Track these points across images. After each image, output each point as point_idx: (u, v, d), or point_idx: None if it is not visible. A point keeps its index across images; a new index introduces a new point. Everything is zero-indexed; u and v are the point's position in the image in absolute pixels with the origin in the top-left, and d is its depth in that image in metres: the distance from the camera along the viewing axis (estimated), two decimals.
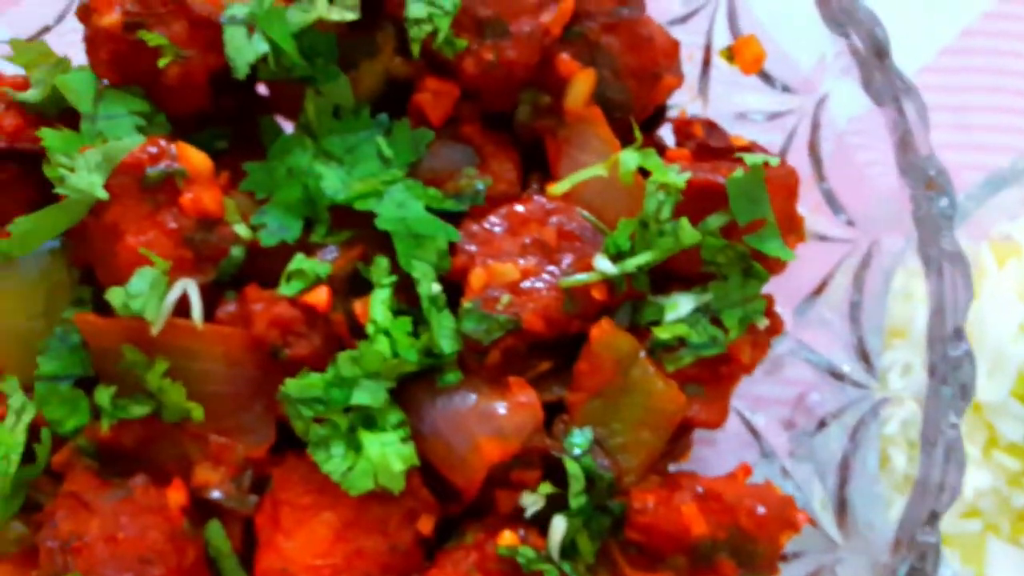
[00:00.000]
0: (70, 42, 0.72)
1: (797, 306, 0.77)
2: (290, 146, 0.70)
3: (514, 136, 0.73)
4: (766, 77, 0.74)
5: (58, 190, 0.63)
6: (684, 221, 0.64)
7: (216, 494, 0.67)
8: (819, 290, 0.75)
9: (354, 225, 0.69)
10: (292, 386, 0.62)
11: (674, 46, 0.72)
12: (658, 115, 0.76)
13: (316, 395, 0.62)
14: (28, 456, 0.66)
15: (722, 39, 0.75)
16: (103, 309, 0.69)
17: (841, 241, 0.72)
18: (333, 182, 0.69)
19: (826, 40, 0.67)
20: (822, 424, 0.72)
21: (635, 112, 0.72)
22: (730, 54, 0.73)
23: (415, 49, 0.65)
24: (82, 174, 0.63)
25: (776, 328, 0.70)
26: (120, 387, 0.66)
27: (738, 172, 0.64)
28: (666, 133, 0.77)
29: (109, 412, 0.66)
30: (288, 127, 0.73)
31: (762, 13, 0.74)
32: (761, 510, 0.64)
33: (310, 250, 0.68)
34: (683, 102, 0.78)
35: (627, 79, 0.71)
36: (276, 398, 0.66)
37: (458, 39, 0.66)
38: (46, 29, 0.79)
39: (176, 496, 0.65)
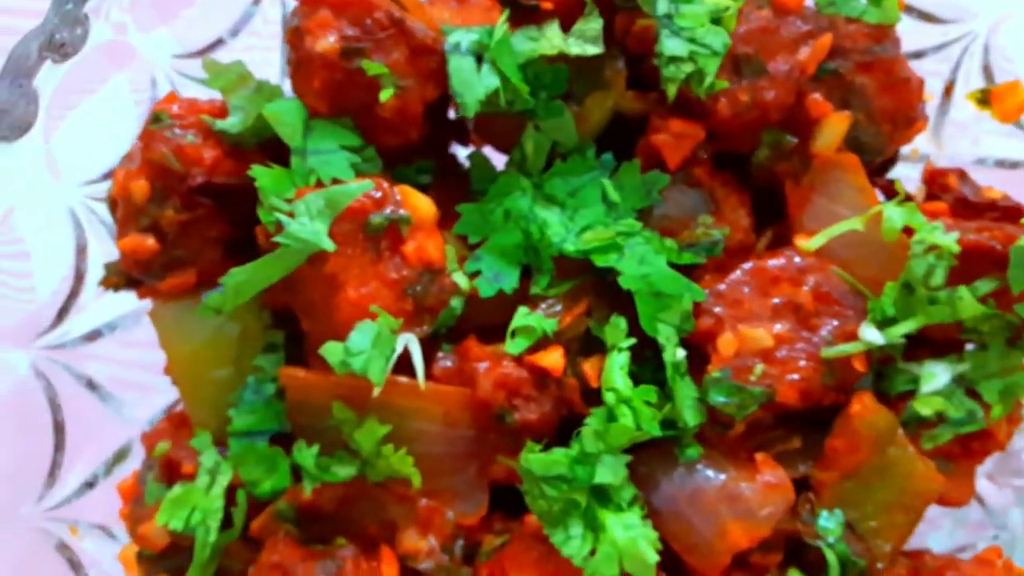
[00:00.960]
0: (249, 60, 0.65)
1: None
2: (509, 188, 0.64)
3: (743, 179, 0.67)
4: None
5: (277, 239, 0.57)
6: (964, 291, 0.59)
7: (427, 564, 0.62)
8: None
9: (575, 274, 0.64)
10: (535, 462, 0.57)
11: (921, 85, 0.66)
12: (890, 160, 0.70)
13: (560, 473, 0.57)
14: (225, 521, 0.61)
15: (973, 80, 0.68)
16: (296, 355, 0.64)
17: None
18: (558, 230, 0.62)
19: None
20: None
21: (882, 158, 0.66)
22: (984, 98, 0.67)
23: (671, 91, 0.59)
24: (303, 220, 0.57)
25: None
26: (322, 445, 0.61)
27: (1022, 240, 0.58)
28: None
29: (313, 474, 0.61)
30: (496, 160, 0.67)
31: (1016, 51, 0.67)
32: None
33: (531, 303, 0.62)
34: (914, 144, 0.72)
35: (882, 123, 0.64)
36: (493, 462, 0.61)
37: (718, 80, 0.59)
38: (219, 42, 0.72)
39: (390, 571, 0.60)
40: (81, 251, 0.69)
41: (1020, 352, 0.62)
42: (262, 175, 0.59)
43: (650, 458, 0.61)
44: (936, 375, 0.62)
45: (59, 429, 0.68)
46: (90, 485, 0.69)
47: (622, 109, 0.64)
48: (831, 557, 0.59)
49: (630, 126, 0.65)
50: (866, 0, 0.63)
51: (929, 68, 0.70)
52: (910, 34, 0.69)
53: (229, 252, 0.64)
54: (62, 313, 0.68)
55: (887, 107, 0.64)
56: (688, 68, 0.58)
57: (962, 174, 0.66)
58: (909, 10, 0.68)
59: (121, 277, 0.66)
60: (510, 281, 0.63)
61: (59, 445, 0.68)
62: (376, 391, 0.58)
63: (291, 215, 0.57)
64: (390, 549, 0.61)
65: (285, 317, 0.65)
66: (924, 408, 0.61)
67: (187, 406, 0.64)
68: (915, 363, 0.63)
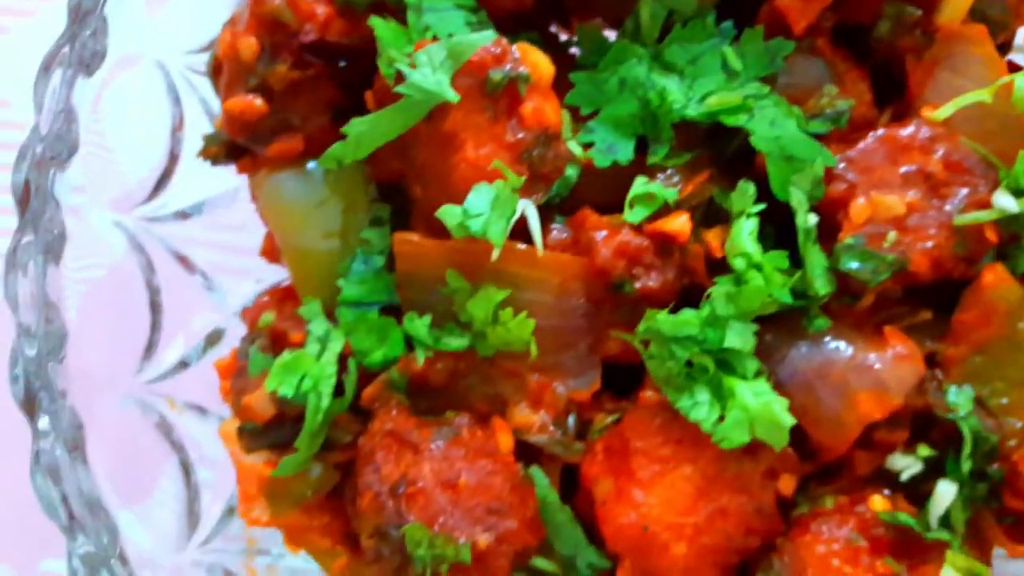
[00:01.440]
0: None
1: None
2: (623, 56, 0.62)
3: (863, 55, 0.65)
4: None
5: (399, 89, 0.55)
6: None
7: (539, 438, 0.60)
8: None
9: (695, 145, 0.62)
10: (664, 323, 0.55)
11: None
12: (1007, 43, 0.68)
13: (691, 334, 0.55)
14: (336, 389, 0.59)
15: None
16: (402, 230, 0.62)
17: None
18: (679, 96, 0.60)
19: None
20: None
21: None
22: None
23: None
24: (425, 72, 0.55)
25: None
26: (432, 317, 0.59)
27: None
28: None
29: (426, 342, 0.59)
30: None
31: None
32: None
33: (649, 173, 0.61)
34: None
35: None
36: (607, 337, 0.59)
37: None
38: None
39: (506, 439, 0.58)
40: (177, 126, 0.67)
41: None
42: (381, 26, 0.57)
43: (776, 330, 0.59)
44: None
45: (156, 308, 0.67)
46: (184, 365, 0.68)
47: None
48: (965, 430, 0.57)
49: None
50: None
51: None
52: None
53: (337, 119, 0.62)
54: (157, 187, 0.67)
55: None
56: None
57: None
58: None
59: (222, 147, 0.64)
60: (625, 152, 0.61)
61: (156, 324, 0.67)
62: (495, 253, 0.56)
63: (413, 67, 0.56)
64: (503, 420, 0.60)
65: (390, 192, 0.63)
66: None
67: (294, 277, 0.62)
68: None
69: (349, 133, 0.56)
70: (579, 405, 0.61)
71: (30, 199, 0.58)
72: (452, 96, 0.55)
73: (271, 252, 0.68)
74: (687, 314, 0.55)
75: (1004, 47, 0.68)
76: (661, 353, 0.56)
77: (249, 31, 0.59)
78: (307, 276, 0.62)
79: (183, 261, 0.69)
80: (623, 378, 0.62)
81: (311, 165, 0.62)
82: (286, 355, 0.59)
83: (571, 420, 0.61)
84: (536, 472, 0.60)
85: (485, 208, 0.57)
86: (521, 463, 0.59)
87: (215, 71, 0.63)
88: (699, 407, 0.56)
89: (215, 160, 0.65)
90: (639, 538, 0.56)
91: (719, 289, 0.56)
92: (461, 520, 0.55)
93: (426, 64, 0.56)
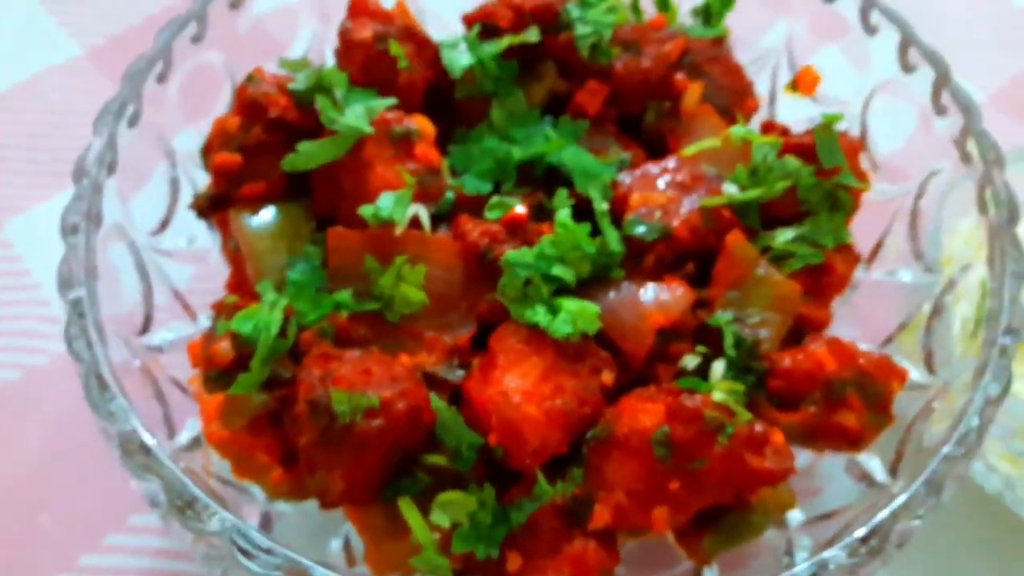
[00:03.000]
0: None
1: None
2: (482, 134, 0.95)
3: (639, 138, 0.98)
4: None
5: (331, 126, 0.86)
6: (788, 157, 0.88)
7: (433, 368, 0.82)
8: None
9: (529, 183, 0.92)
10: (511, 255, 0.81)
11: (751, 84, 1.01)
12: None
13: (528, 261, 0.81)
14: (281, 333, 0.82)
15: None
16: None
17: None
18: (518, 151, 0.92)
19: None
20: None
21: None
22: (792, 84, 1.02)
23: (584, 51, 0.93)
24: (351, 118, 0.86)
25: (856, 258, 0.92)
26: (355, 292, 0.84)
27: (820, 125, 0.89)
28: None
29: (349, 305, 0.83)
30: None
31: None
32: (876, 357, 0.81)
33: (501, 196, 0.90)
34: None
35: (725, 92, 0.98)
36: (480, 300, 0.84)
37: (612, 49, 0.93)
38: None
39: (407, 360, 0.81)
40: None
41: (842, 213, 0.90)
42: (322, 101, 0.88)
43: (593, 287, 0.85)
44: (785, 233, 0.89)
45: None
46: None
47: (555, 89, 0.97)
48: (726, 329, 0.81)
49: (562, 101, 0.98)
50: (699, 22, 1.01)
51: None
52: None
53: (288, 176, 0.91)
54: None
55: (728, 83, 0.98)
56: (593, 38, 0.92)
57: (785, 128, 0.99)
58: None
59: (205, 200, 0.92)
60: (486, 189, 0.91)
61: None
62: (398, 229, 0.83)
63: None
64: (406, 355, 0.82)
65: (326, 224, 0.91)
66: (777, 246, 0.87)
67: (254, 277, 0.87)
68: (768, 232, 0.90)
69: (300, 150, 0.85)
70: (460, 349, 0.84)
71: None
72: (368, 129, 0.86)
73: (234, 285, 0.93)
74: (525, 250, 0.82)
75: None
76: (509, 277, 0.81)
77: (234, 113, 0.91)
78: (265, 275, 0.87)
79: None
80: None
81: (270, 207, 0.91)
82: (246, 310, 0.83)
83: (455, 359, 0.84)
84: (433, 397, 0.81)
85: (391, 204, 0.85)
86: None
87: (206, 150, 0.93)
88: (537, 314, 0.80)
89: (200, 212, 0.93)
90: (501, 403, 0.76)
91: (546, 238, 0.83)
92: (370, 388, 0.75)
93: (352, 114, 0.87)
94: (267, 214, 0.90)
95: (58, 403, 1.03)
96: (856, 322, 0.95)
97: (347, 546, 0.86)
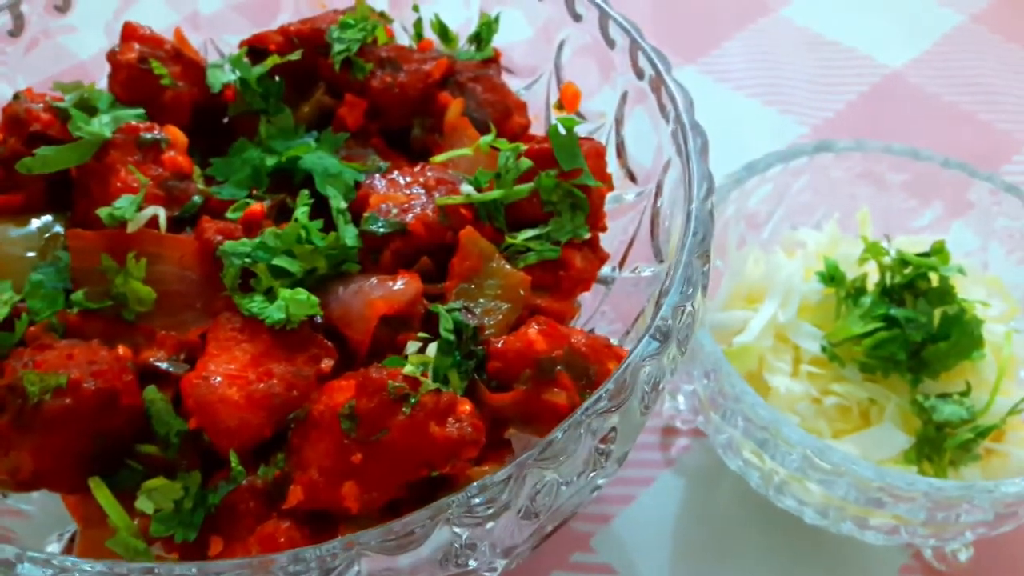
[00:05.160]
0: None
1: None
2: (245, 147, 0.98)
3: (408, 154, 1.02)
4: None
5: (76, 133, 0.89)
6: (524, 160, 0.91)
7: (158, 363, 0.82)
8: None
9: (287, 191, 0.95)
10: (228, 245, 0.83)
11: (523, 104, 1.05)
12: None
13: (245, 251, 0.82)
14: (8, 327, 0.83)
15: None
16: None
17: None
18: (271, 159, 0.95)
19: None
20: None
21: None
22: (559, 103, 1.06)
23: (336, 64, 0.97)
24: (95, 125, 0.89)
25: (602, 256, 0.94)
26: (91, 291, 0.85)
27: (553, 127, 0.92)
28: None
29: (82, 304, 0.84)
30: None
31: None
32: (591, 338, 0.82)
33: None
34: None
35: (487, 108, 1.02)
36: (216, 298, 0.86)
37: (367, 63, 0.98)
38: None
39: (126, 351, 0.81)
40: None
41: (582, 213, 0.92)
42: (75, 113, 0.92)
43: (325, 282, 0.86)
44: (528, 232, 0.92)
45: None
46: None
47: (323, 105, 1.01)
48: (443, 313, 0.82)
49: (331, 118, 1.01)
50: (473, 47, 1.06)
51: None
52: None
53: (49, 188, 0.94)
54: None
55: (491, 100, 1.02)
56: (344, 54, 0.97)
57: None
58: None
59: None
60: (241, 195, 0.94)
61: None
62: (130, 228, 0.85)
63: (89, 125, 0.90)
64: (128, 349, 0.83)
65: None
66: (514, 241, 0.89)
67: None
68: (514, 233, 0.93)
69: (38, 153, 0.88)
70: (190, 345, 0.85)
71: None
72: (108, 134, 0.89)
73: None
74: (244, 241, 0.84)
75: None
76: (227, 266, 0.82)
77: (1, 129, 0.94)
78: (10, 273, 0.89)
79: None
80: None
81: (27, 217, 0.93)
82: None
83: (182, 354, 0.84)
84: (149, 387, 0.81)
85: (127, 206, 0.87)
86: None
87: None
88: (255, 303, 0.81)
89: None
90: (200, 386, 0.76)
91: (270, 230, 0.85)
92: (66, 371, 0.76)
93: (97, 123, 0.90)
94: (24, 223, 0.92)
95: None
96: (618, 318, 0.97)
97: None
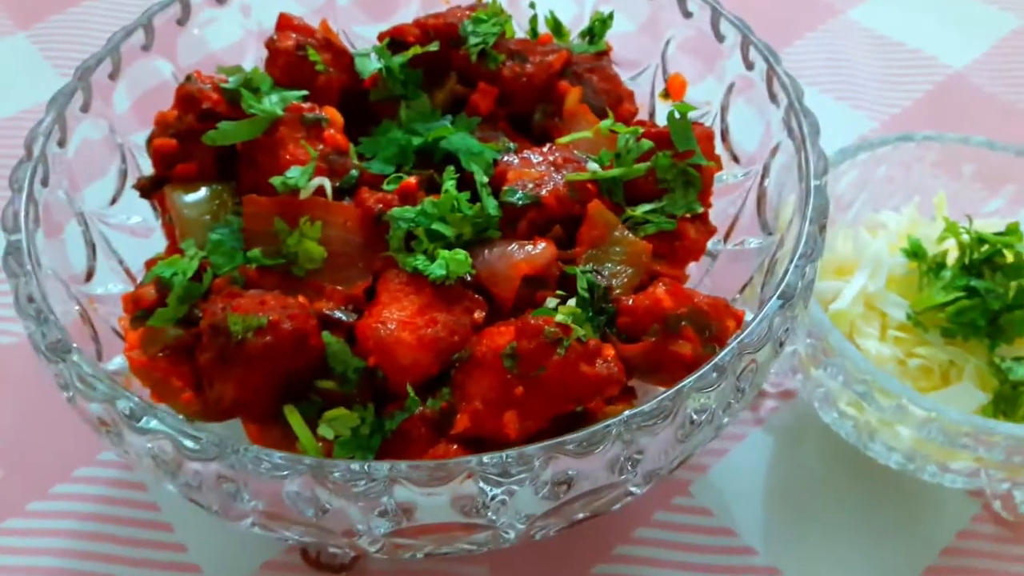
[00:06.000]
0: None
1: None
2: (389, 128, 1.10)
3: (529, 136, 1.13)
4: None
5: (250, 111, 1.01)
6: (645, 141, 1.02)
7: (330, 312, 0.94)
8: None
9: (430, 167, 1.07)
10: (396, 211, 0.95)
11: (631, 93, 1.17)
12: None
13: (409, 216, 0.94)
14: (196, 279, 0.95)
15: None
16: None
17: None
18: (417, 140, 1.07)
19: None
20: None
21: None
22: (665, 92, 1.17)
23: (473, 55, 1.09)
24: (267, 104, 1.02)
25: (711, 229, 1.05)
26: (265, 250, 0.97)
27: (671, 113, 1.04)
28: None
29: (259, 259, 0.96)
30: None
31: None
32: (712, 299, 0.93)
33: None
34: None
35: (601, 95, 1.13)
36: (376, 259, 0.97)
37: (499, 55, 1.09)
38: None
39: (302, 298, 0.93)
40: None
41: (694, 189, 1.03)
42: (245, 94, 1.04)
43: (471, 245, 0.98)
44: (645, 206, 1.03)
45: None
46: None
47: (456, 93, 1.13)
48: (579, 274, 0.94)
49: (462, 104, 1.13)
50: (585, 41, 1.17)
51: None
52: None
53: (217, 159, 1.06)
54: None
55: (605, 88, 1.13)
56: (481, 45, 1.09)
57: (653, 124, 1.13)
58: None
59: (147, 181, 1.07)
60: (390, 171, 1.05)
61: None
62: (303, 194, 0.97)
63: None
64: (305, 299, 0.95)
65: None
66: (635, 214, 1.01)
67: (180, 239, 1.01)
68: (633, 207, 1.04)
69: (220, 127, 1.00)
70: (355, 298, 0.97)
71: None
72: (280, 112, 1.01)
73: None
74: (408, 208, 0.95)
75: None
76: (394, 229, 0.94)
77: (173, 107, 1.06)
78: (189, 236, 1.01)
79: None
80: None
81: (200, 184, 1.05)
82: (167, 259, 0.96)
83: (351, 306, 0.96)
84: (325, 332, 0.93)
85: (297, 175, 0.99)
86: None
87: (149, 139, 1.08)
88: (419, 260, 0.93)
89: (142, 192, 1.07)
90: (379, 328, 0.88)
91: (428, 200, 0.96)
92: (261, 313, 0.88)
93: (267, 102, 1.02)
94: (196, 189, 1.04)
95: (22, 381, 1.16)
96: (717, 289, 1.08)
97: None
